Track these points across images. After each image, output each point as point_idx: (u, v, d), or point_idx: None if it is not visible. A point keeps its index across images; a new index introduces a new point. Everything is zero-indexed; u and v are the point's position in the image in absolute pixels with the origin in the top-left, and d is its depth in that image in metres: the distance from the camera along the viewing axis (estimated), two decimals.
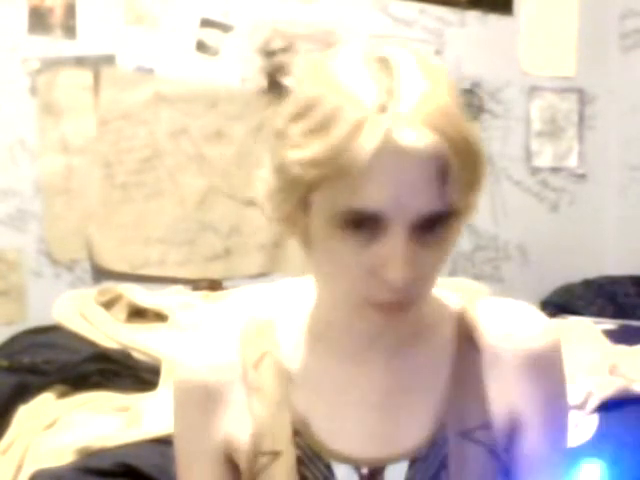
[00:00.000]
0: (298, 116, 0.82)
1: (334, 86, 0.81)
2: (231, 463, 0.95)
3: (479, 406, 0.92)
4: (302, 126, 0.81)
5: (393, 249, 0.80)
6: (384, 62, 0.82)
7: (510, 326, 0.94)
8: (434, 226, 0.81)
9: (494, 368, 0.93)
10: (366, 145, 0.77)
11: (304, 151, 0.80)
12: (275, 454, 0.91)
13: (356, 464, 0.91)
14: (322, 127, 0.79)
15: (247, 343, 0.95)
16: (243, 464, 0.94)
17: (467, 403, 0.92)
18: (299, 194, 0.83)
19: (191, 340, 0.99)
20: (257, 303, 1.01)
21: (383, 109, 0.79)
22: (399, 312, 0.84)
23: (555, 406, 0.96)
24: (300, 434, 0.91)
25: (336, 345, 0.93)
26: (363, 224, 0.81)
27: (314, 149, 0.79)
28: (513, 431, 0.93)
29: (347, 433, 0.92)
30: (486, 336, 0.94)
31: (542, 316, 0.97)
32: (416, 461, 0.90)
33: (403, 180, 0.78)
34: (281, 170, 0.84)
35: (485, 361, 0.93)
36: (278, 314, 0.98)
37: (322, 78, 0.83)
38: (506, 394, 0.93)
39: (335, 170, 0.78)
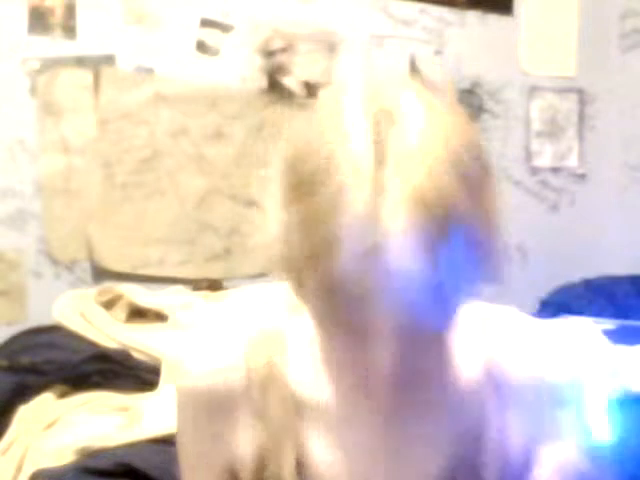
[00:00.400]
0: (287, 170, 0.77)
1: (324, 147, 0.74)
2: (234, 477, 0.93)
3: (494, 445, 0.88)
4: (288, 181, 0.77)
5: (385, 350, 0.75)
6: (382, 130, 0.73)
7: (538, 371, 0.91)
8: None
9: (510, 405, 0.89)
10: (349, 255, 0.71)
11: (302, 246, 0.76)
12: (278, 478, 0.88)
13: None
14: (308, 192, 0.74)
15: (255, 353, 0.91)
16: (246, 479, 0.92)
17: (482, 437, 0.88)
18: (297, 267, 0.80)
19: (198, 347, 0.95)
20: (266, 307, 0.98)
21: (369, 217, 0.71)
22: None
23: (570, 423, 0.94)
24: (304, 466, 0.88)
25: (342, 371, 0.86)
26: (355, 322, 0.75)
27: (309, 243, 0.74)
28: (529, 459, 0.90)
29: (350, 470, 0.88)
30: (513, 382, 0.89)
31: (552, 337, 0.95)
32: None
33: (386, 297, 0.72)
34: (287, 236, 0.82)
35: (500, 398, 0.89)
36: (288, 323, 0.93)
37: (307, 144, 0.76)
38: (520, 425, 0.90)
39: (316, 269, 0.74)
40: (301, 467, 0.88)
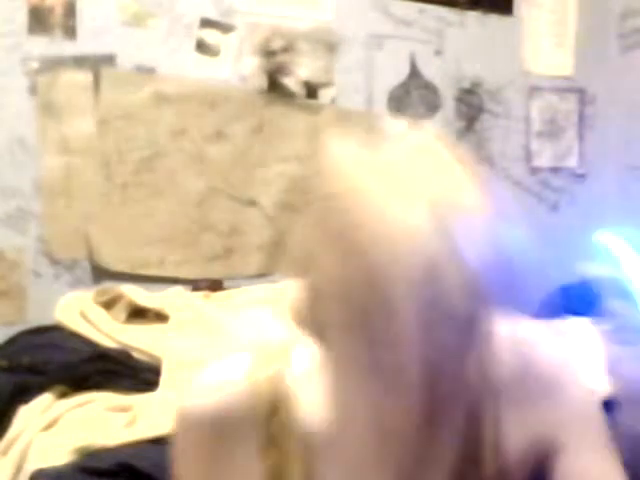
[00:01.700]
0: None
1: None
2: None
3: (493, 455, 0.87)
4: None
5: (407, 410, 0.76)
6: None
7: (526, 354, 0.91)
8: None
9: (513, 406, 0.89)
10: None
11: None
12: None
13: None
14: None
15: (261, 382, 0.88)
16: None
17: (482, 457, 0.87)
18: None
19: (203, 378, 0.91)
20: (271, 323, 0.95)
21: None
22: None
23: (589, 423, 0.93)
24: None
25: (356, 411, 0.83)
26: None
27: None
28: (545, 462, 0.90)
29: None
30: (504, 370, 0.88)
31: (553, 335, 0.95)
32: None
33: None
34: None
35: (502, 403, 0.88)
36: (293, 345, 0.91)
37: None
38: (528, 428, 0.89)
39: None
40: None
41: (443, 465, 0.84)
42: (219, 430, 0.86)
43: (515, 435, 0.88)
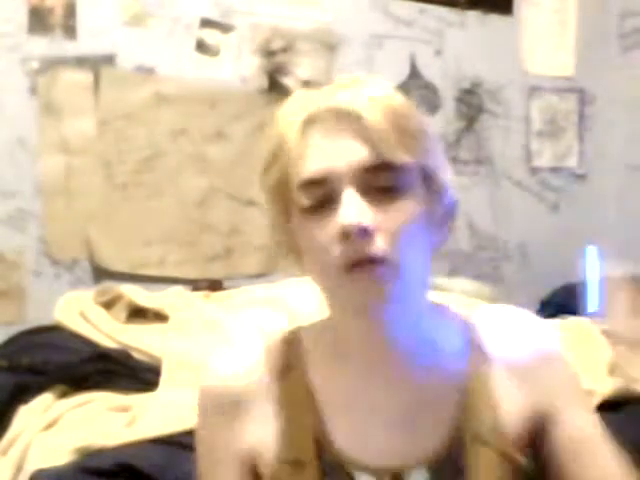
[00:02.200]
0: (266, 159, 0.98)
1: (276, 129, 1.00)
2: (253, 471, 0.99)
3: (493, 413, 0.96)
4: (265, 158, 0.98)
5: (344, 202, 0.89)
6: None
7: (514, 333, 1.00)
8: (387, 191, 0.90)
9: (507, 376, 0.98)
10: (293, 130, 0.94)
11: (265, 165, 0.96)
12: (298, 463, 0.95)
13: (377, 473, 0.94)
14: (276, 153, 0.96)
15: (273, 354, 1.00)
16: (266, 472, 0.97)
17: (481, 411, 0.96)
18: (280, 210, 0.96)
19: (220, 350, 1.02)
20: (284, 312, 1.05)
21: (308, 101, 0.96)
22: (373, 268, 0.88)
23: (578, 390, 1.01)
24: (322, 446, 0.95)
25: (354, 360, 0.97)
26: (324, 203, 0.90)
27: (269, 154, 0.96)
28: (543, 426, 0.98)
29: (368, 445, 0.95)
30: (494, 346, 0.99)
31: (537, 318, 1.03)
32: (434, 467, 0.94)
33: (331, 142, 0.90)
34: (267, 203, 0.98)
35: (496, 370, 0.98)
36: (304, 325, 1.03)
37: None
38: (524, 397, 0.97)
39: (282, 163, 0.93)
40: (320, 446, 0.95)
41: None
42: (236, 404, 0.98)
43: (517, 405, 0.97)
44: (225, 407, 0.98)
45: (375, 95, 0.91)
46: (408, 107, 0.93)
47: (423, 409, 0.96)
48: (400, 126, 0.90)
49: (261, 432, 0.97)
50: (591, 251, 0.95)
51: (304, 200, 0.91)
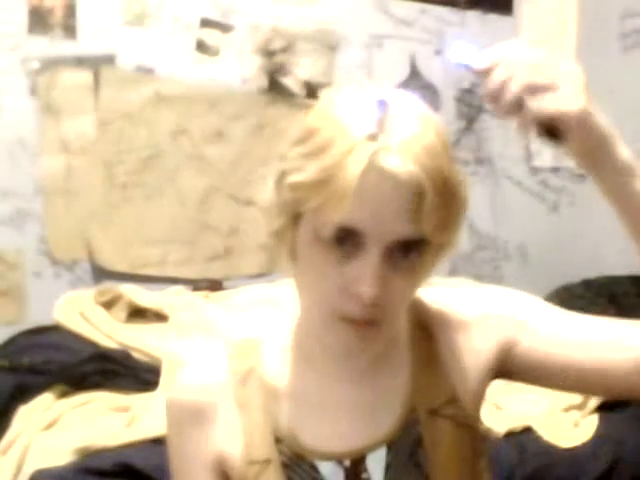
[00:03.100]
0: (298, 142, 0.92)
1: (332, 118, 0.90)
2: (224, 477, 1.01)
3: (443, 384, 1.01)
4: (300, 150, 0.91)
5: (367, 265, 0.89)
6: (381, 102, 0.91)
7: (450, 304, 1.05)
8: (408, 253, 0.90)
9: (453, 345, 1.02)
10: (353, 166, 0.86)
11: (300, 174, 0.90)
12: (262, 462, 0.98)
13: (338, 459, 0.98)
14: (317, 152, 0.89)
15: (234, 361, 1.03)
16: (235, 475, 1.00)
17: (431, 384, 1.01)
18: (292, 211, 0.93)
19: (186, 362, 1.06)
20: (244, 321, 1.06)
21: (372, 138, 0.88)
22: (367, 329, 0.92)
23: (518, 304, 1.05)
24: (282, 441, 0.99)
25: (316, 361, 1.01)
26: (345, 241, 0.89)
27: (309, 171, 0.89)
28: (508, 356, 1.01)
29: (327, 434, 1.00)
30: (436, 321, 1.03)
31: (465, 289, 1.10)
32: (393, 444, 0.99)
33: (383, 202, 0.87)
34: (279, 188, 0.94)
35: (441, 343, 1.03)
36: (264, 333, 1.06)
37: (323, 111, 0.93)
38: (479, 352, 1.02)
39: (325, 191, 0.87)
40: (281, 443, 0.99)
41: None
42: (202, 412, 1.01)
43: (474, 365, 1.02)
44: (190, 417, 1.01)
45: (437, 167, 0.90)
46: (458, 178, 0.93)
47: (379, 394, 1.00)
48: (449, 209, 0.91)
49: (227, 437, 1.00)
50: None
51: (327, 234, 0.89)
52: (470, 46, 1.03)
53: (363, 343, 0.93)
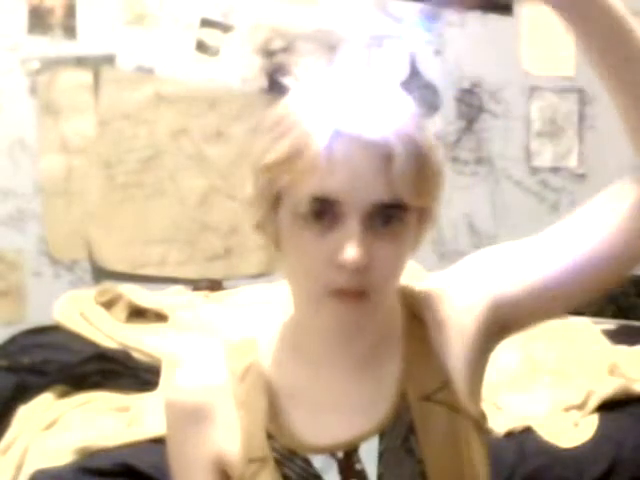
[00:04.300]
0: (268, 130, 0.94)
1: (299, 104, 0.94)
2: (223, 474, 1.02)
3: (436, 370, 1.01)
4: (270, 135, 0.93)
5: (347, 232, 0.90)
6: (350, 88, 0.93)
7: (432, 283, 1.06)
8: (389, 221, 0.92)
9: (438, 322, 1.03)
10: (320, 136, 0.89)
11: (271, 154, 0.92)
12: (262, 460, 0.98)
13: (331, 451, 0.99)
14: (285, 132, 0.92)
15: (232, 360, 1.04)
16: (235, 473, 1.00)
17: (423, 370, 1.01)
18: (270, 195, 0.95)
19: (184, 363, 1.07)
20: (243, 321, 1.05)
21: (338, 112, 0.91)
22: (357, 301, 0.92)
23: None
24: (274, 438, 0.99)
25: (309, 354, 1.02)
26: (323, 215, 0.91)
27: (278, 150, 0.92)
28: (499, 314, 1.02)
29: (319, 427, 1.00)
30: (423, 302, 1.04)
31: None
32: (385, 433, 0.99)
33: (353, 167, 0.90)
34: (256, 175, 0.96)
35: (430, 325, 1.03)
36: (259, 330, 1.07)
37: (290, 99, 0.96)
38: (463, 324, 1.02)
39: (296, 164, 0.90)
40: (275, 439, 0.99)
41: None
42: (202, 412, 1.02)
43: (466, 346, 1.02)
44: (189, 416, 1.02)
45: (406, 132, 0.91)
46: (430, 144, 0.95)
47: (371, 385, 1.01)
48: (423, 172, 0.92)
49: (226, 436, 1.01)
50: None
51: (304, 208, 0.91)
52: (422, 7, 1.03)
53: (355, 317, 0.93)
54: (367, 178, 0.90)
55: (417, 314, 1.04)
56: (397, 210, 0.92)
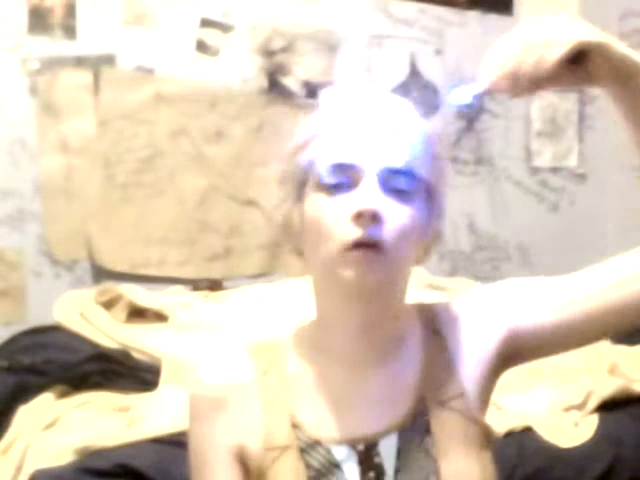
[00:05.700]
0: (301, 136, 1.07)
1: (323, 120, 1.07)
2: (242, 465, 1.06)
3: (452, 380, 1.07)
4: (300, 136, 1.07)
5: (364, 189, 1.00)
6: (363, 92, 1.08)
7: (458, 308, 1.12)
8: (401, 190, 1.01)
9: (458, 339, 1.09)
10: (340, 116, 1.04)
11: (296, 141, 1.06)
12: (283, 448, 1.04)
13: (352, 443, 1.04)
14: (307, 124, 1.06)
15: (256, 356, 1.10)
16: (254, 463, 1.05)
17: (441, 379, 1.07)
18: (297, 181, 1.05)
19: (206, 355, 1.16)
20: (244, 321, 1.09)
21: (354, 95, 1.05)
22: (373, 252, 0.99)
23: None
24: (300, 428, 1.05)
25: (332, 352, 1.08)
26: (342, 185, 1.01)
27: (303, 136, 1.05)
28: (517, 341, 1.09)
29: (342, 421, 1.06)
30: (443, 316, 1.11)
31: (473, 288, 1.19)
32: (404, 431, 1.05)
33: (370, 138, 1.02)
34: (283, 173, 1.08)
35: (449, 339, 1.10)
36: (283, 332, 1.13)
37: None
38: (481, 347, 1.09)
39: (319, 140, 1.03)
40: (298, 429, 1.05)
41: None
42: (226, 405, 1.07)
43: (483, 362, 1.09)
44: (212, 406, 1.07)
45: (408, 109, 1.06)
46: (435, 133, 1.07)
47: (391, 385, 1.07)
48: (430, 150, 1.05)
49: (247, 426, 1.06)
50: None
51: (327, 178, 1.01)
52: (466, 86, 1.16)
53: (372, 270, 0.99)
54: (382, 146, 1.01)
55: (436, 328, 1.11)
56: (407, 179, 1.02)
